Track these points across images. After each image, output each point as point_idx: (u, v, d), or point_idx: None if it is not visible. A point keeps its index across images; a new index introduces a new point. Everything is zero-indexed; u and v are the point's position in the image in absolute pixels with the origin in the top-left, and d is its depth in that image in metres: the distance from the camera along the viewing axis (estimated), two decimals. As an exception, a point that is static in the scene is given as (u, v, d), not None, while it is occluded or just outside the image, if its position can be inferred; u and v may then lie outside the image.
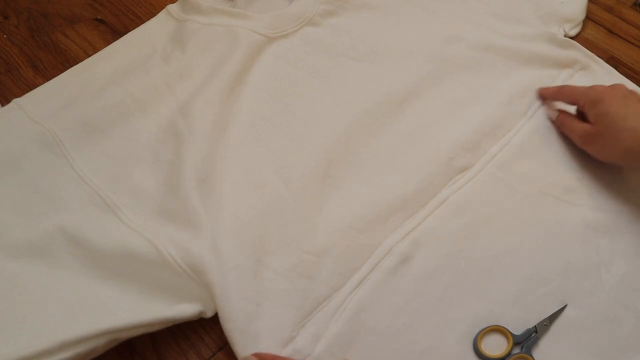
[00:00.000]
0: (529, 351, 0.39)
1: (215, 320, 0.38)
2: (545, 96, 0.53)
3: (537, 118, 0.52)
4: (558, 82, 0.56)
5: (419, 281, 0.41)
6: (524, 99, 0.53)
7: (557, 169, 0.49)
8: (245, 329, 0.36)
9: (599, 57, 0.58)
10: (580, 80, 0.56)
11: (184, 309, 0.37)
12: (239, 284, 0.38)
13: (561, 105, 0.52)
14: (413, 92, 0.52)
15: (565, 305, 0.42)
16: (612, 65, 0.58)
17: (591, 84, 0.55)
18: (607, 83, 0.56)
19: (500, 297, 0.42)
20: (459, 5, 0.60)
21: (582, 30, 0.63)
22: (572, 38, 0.61)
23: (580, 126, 0.48)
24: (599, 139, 0.46)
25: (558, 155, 0.50)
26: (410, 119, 0.50)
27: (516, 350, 0.40)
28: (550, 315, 0.41)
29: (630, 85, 0.56)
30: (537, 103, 0.54)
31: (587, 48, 0.58)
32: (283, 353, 0.37)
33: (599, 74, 0.57)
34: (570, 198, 0.48)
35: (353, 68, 0.53)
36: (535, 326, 0.40)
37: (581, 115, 0.49)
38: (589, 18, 0.64)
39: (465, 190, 0.47)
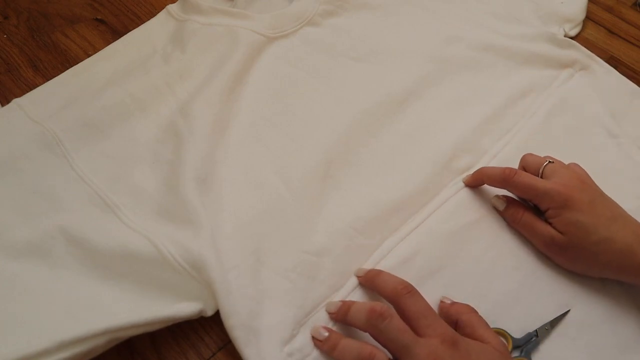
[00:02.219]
0: (528, 355, 0.39)
1: (215, 320, 0.38)
2: (491, 183, 0.45)
3: (537, 118, 0.52)
4: (558, 82, 0.56)
5: (419, 282, 0.41)
6: (524, 99, 0.53)
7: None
8: (247, 325, 0.36)
9: (599, 57, 0.58)
10: (580, 80, 0.56)
11: (184, 308, 0.37)
12: (239, 283, 0.38)
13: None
14: (413, 92, 0.52)
15: (568, 310, 0.41)
16: (612, 65, 0.58)
17: (591, 84, 0.56)
18: (607, 83, 0.56)
19: (500, 297, 0.42)
20: (459, 5, 0.60)
21: (582, 30, 0.63)
22: (572, 38, 0.61)
23: (547, 231, 0.41)
24: (570, 251, 0.41)
25: (558, 155, 0.50)
26: (410, 119, 0.50)
27: (515, 354, 0.39)
28: (552, 320, 0.41)
29: (631, 86, 0.57)
30: (537, 103, 0.54)
31: (587, 48, 0.58)
32: (283, 352, 0.37)
33: (599, 74, 0.57)
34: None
35: (353, 68, 0.53)
36: (536, 330, 0.40)
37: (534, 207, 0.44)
38: (589, 18, 0.64)
39: (465, 190, 0.47)
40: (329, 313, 0.39)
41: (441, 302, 0.40)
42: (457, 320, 0.38)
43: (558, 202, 0.40)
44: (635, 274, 0.39)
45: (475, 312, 0.38)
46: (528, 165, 0.45)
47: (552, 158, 0.45)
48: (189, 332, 0.40)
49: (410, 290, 0.37)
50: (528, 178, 0.42)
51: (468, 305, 0.39)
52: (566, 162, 0.46)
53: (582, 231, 0.40)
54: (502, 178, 0.43)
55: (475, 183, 0.46)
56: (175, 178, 0.42)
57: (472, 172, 0.47)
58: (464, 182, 0.47)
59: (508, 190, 0.45)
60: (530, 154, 0.46)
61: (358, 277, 0.41)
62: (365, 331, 0.36)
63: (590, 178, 0.44)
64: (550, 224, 0.42)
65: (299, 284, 0.40)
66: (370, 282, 0.40)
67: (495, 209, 0.45)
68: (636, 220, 0.41)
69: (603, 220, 0.40)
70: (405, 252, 0.42)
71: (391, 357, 0.35)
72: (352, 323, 0.37)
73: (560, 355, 0.40)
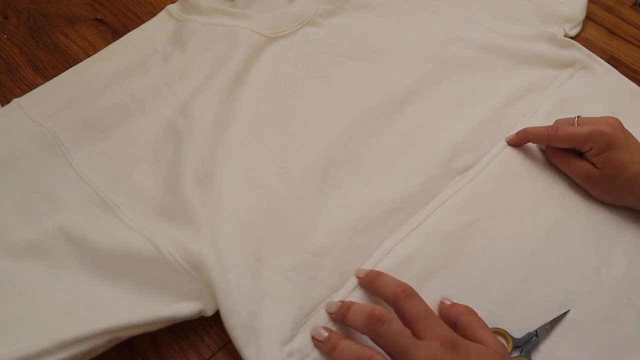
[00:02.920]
0: (528, 355, 0.39)
1: (215, 320, 0.38)
2: (536, 141, 0.49)
3: (538, 118, 0.52)
4: (558, 82, 0.56)
5: (419, 281, 0.41)
6: (524, 99, 0.53)
7: (558, 169, 0.49)
8: (247, 324, 0.36)
9: (598, 57, 0.58)
10: (580, 80, 0.56)
11: (184, 308, 0.37)
12: (239, 283, 0.37)
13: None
14: (413, 92, 0.52)
15: (568, 310, 0.41)
16: (612, 65, 0.58)
17: (591, 84, 0.56)
18: (608, 83, 0.56)
19: (500, 297, 0.42)
20: (459, 5, 0.60)
21: (582, 30, 0.63)
22: (572, 38, 0.61)
23: (583, 166, 0.46)
24: (604, 182, 0.46)
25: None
26: (410, 119, 0.50)
27: (515, 354, 0.39)
28: (552, 320, 0.41)
29: (631, 85, 0.56)
30: (538, 103, 0.54)
31: (587, 48, 0.58)
32: (283, 352, 0.37)
33: (599, 74, 0.57)
34: (571, 198, 0.48)
35: (353, 68, 0.53)
36: (536, 330, 0.40)
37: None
38: (589, 18, 0.64)
39: (465, 190, 0.47)
40: (329, 313, 0.39)
41: (441, 303, 0.40)
42: (457, 322, 0.38)
43: (602, 143, 0.44)
44: None
45: (475, 313, 0.38)
46: (561, 124, 0.48)
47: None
48: (189, 332, 0.40)
49: (410, 292, 0.37)
50: (570, 128, 0.46)
51: (467, 307, 0.39)
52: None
53: (619, 167, 0.44)
54: (547, 134, 0.47)
55: (520, 142, 0.50)
56: (175, 178, 0.42)
57: (515, 132, 0.50)
58: (507, 142, 0.50)
59: (553, 144, 0.48)
60: (561, 119, 0.50)
61: (358, 277, 0.41)
62: (365, 334, 0.36)
63: None
64: (587, 160, 0.46)
65: (299, 284, 0.40)
66: (370, 283, 0.40)
67: (540, 149, 0.50)
68: None
69: (637, 157, 0.44)
70: (405, 252, 0.42)
71: None
72: (351, 325, 0.37)
73: (560, 355, 0.40)
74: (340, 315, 0.38)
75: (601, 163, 0.45)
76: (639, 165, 0.44)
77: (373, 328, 0.35)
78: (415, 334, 0.35)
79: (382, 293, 0.38)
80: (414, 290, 0.38)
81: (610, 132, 0.44)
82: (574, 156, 0.47)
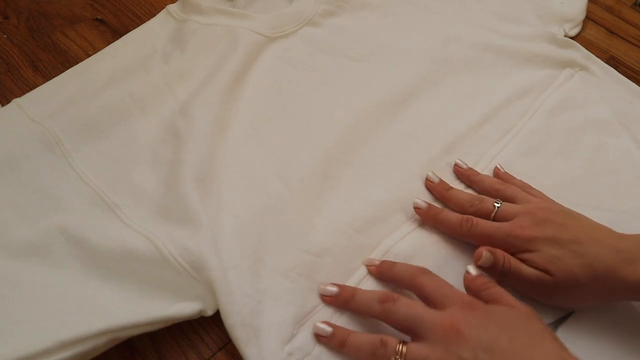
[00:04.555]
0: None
1: (215, 320, 0.38)
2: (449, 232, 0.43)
3: (537, 118, 0.52)
4: (558, 82, 0.56)
5: (419, 281, 0.41)
6: (524, 99, 0.54)
7: (557, 169, 0.49)
8: (248, 324, 0.36)
9: (599, 57, 0.58)
10: (580, 80, 0.56)
11: (184, 308, 0.37)
12: (239, 282, 0.37)
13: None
14: (413, 92, 0.52)
15: (570, 313, 0.41)
16: (612, 66, 0.58)
17: (591, 84, 0.56)
18: (608, 83, 0.56)
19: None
20: (458, 5, 0.60)
21: (582, 30, 0.63)
22: (572, 38, 0.61)
23: (534, 273, 0.38)
24: (559, 290, 0.38)
25: (558, 156, 0.50)
26: (410, 119, 0.50)
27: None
28: (555, 321, 0.41)
29: (631, 85, 0.57)
30: (538, 103, 0.54)
31: (587, 48, 0.58)
32: (284, 351, 0.37)
33: (599, 74, 0.57)
34: (570, 198, 0.47)
35: (353, 68, 0.53)
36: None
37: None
38: (589, 18, 0.64)
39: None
40: (325, 297, 0.39)
41: (466, 272, 0.38)
42: (481, 293, 0.36)
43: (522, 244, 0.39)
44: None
45: (497, 285, 0.36)
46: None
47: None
48: (189, 332, 0.40)
49: (427, 271, 0.38)
50: (486, 226, 0.41)
51: (491, 280, 0.37)
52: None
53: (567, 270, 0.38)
54: (460, 230, 0.42)
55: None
56: (175, 178, 0.42)
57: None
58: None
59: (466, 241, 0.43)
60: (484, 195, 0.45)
61: (368, 266, 0.41)
62: (375, 315, 0.37)
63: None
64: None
65: (299, 283, 0.40)
66: (387, 271, 0.40)
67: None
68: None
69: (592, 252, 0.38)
70: (404, 251, 0.42)
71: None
72: (360, 309, 0.38)
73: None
74: (344, 301, 0.38)
75: (544, 263, 0.37)
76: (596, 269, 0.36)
77: (386, 307, 0.35)
78: (434, 306, 0.35)
79: (399, 278, 0.38)
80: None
81: (530, 229, 0.38)
82: (522, 263, 0.39)
